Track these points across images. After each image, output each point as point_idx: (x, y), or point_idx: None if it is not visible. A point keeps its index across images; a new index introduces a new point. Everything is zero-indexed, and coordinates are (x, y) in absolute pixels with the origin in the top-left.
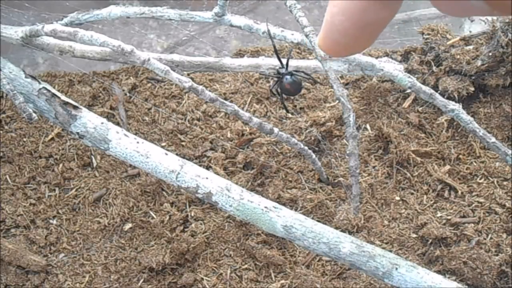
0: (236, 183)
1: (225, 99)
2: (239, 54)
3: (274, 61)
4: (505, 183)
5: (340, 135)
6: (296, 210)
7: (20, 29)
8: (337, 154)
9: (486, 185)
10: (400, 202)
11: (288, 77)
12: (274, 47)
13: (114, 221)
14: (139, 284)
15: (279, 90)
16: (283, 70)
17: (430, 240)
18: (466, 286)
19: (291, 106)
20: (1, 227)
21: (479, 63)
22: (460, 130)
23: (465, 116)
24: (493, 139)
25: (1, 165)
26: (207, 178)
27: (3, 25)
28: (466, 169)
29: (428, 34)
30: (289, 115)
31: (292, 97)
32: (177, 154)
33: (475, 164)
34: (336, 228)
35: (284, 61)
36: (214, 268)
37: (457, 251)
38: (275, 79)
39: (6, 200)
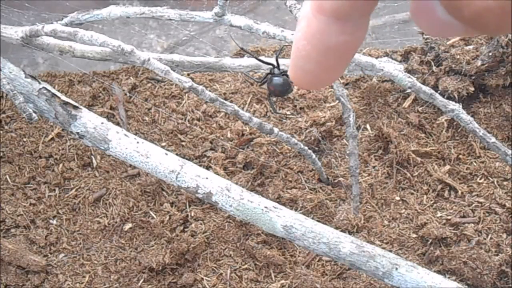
0: (236, 183)
1: (225, 99)
2: (239, 54)
3: (273, 61)
4: (505, 183)
5: (340, 135)
6: (296, 210)
7: (20, 29)
8: (337, 154)
9: (486, 185)
10: (400, 202)
11: (275, 78)
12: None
13: (114, 221)
14: (139, 284)
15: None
16: (275, 71)
17: (430, 240)
18: (466, 286)
19: (291, 106)
20: (1, 227)
21: (479, 63)
22: (460, 130)
23: (465, 116)
24: (493, 139)
25: (1, 165)
26: (207, 178)
27: (3, 25)
28: (466, 169)
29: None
30: (283, 115)
31: (281, 97)
32: (177, 154)
33: (475, 164)
34: (336, 228)
35: (272, 60)
36: (214, 268)
37: (457, 251)
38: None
39: (6, 200)
